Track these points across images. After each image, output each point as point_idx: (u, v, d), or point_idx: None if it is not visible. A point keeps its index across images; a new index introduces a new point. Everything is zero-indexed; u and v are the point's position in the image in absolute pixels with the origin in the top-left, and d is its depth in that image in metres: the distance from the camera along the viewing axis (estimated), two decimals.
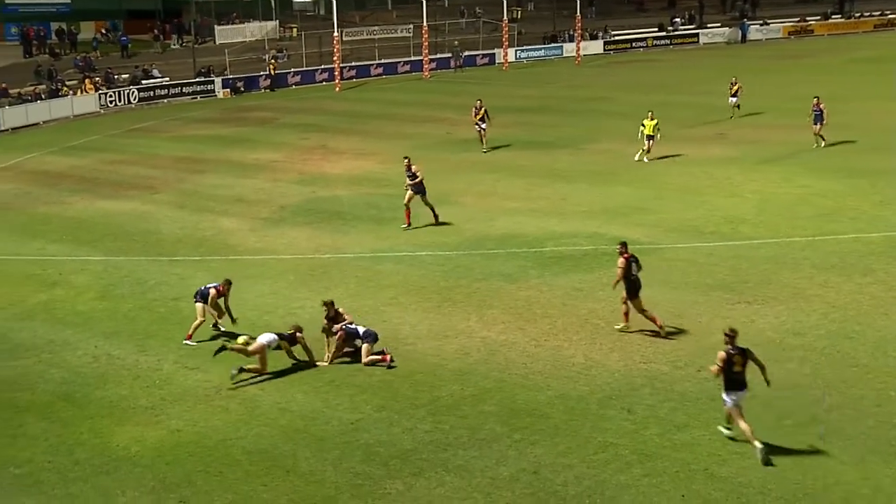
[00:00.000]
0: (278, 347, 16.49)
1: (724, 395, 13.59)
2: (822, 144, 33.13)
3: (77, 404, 15.68)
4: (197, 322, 17.95)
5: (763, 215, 25.57)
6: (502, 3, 62.96)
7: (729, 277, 20.78)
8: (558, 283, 20.69)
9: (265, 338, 16.43)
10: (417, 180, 24.54)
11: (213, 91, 52.50)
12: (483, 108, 34.62)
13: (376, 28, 65.16)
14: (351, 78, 57.41)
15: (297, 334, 16.73)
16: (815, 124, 32.97)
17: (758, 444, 13.31)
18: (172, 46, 66.96)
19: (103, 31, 67.29)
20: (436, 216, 24.91)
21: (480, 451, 13.89)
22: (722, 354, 13.50)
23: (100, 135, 41.02)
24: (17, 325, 19.14)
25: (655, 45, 70.18)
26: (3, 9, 63.59)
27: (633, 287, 17.54)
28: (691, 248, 22.92)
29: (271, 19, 72.79)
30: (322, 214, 27.12)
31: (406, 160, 25.08)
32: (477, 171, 31.91)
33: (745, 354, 13.50)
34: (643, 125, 32.22)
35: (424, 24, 58.52)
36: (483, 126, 34.70)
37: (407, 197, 24.65)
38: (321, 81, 56.69)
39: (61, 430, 14.82)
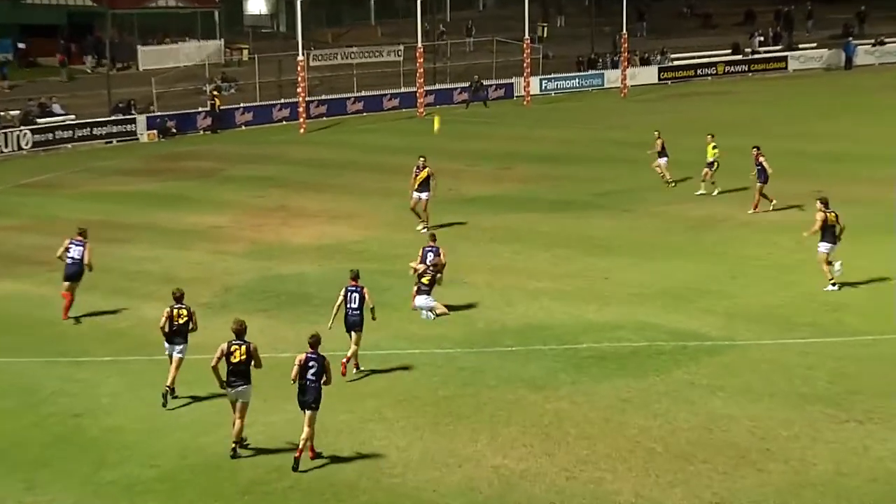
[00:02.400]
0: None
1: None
2: (772, 206, 34.27)
3: None
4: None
5: (877, 301, 25.56)
6: (523, 17, 63.83)
7: (832, 386, 20.72)
8: (598, 392, 20.65)
9: None
10: None
11: (135, 133, 53.01)
12: (426, 169, 33.13)
13: (355, 50, 66.05)
14: (321, 116, 58.04)
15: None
16: (759, 180, 33.99)
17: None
18: (86, 71, 67.79)
19: None
20: None
21: None
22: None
23: None
24: None
25: (729, 73, 71.08)
26: None
27: None
28: (780, 346, 22.92)
29: (214, 38, 73.78)
30: (281, 298, 27.17)
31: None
32: (490, 240, 32.04)
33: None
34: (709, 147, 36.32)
35: (419, 44, 59.30)
36: (423, 196, 33.29)
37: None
38: (281, 121, 57.25)
39: None
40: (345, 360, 21.71)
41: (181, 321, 20.75)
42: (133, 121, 53.43)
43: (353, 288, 21.88)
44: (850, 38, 75.07)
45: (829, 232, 26.18)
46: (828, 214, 26.18)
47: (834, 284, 26.14)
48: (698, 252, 30.29)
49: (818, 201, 26.71)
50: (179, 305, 20.87)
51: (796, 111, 55.02)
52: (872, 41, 74.97)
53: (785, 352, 22.58)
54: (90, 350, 23.83)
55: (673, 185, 38.16)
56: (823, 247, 26.31)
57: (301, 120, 55.27)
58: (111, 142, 52.36)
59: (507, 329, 24.45)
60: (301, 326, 24.13)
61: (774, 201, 34.39)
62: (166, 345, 20.85)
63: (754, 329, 23.96)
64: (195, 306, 26.08)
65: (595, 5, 77.40)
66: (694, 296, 26.35)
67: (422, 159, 33.80)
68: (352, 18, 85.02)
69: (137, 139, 52.84)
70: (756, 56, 73.69)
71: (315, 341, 18.42)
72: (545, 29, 78.64)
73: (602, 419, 19.49)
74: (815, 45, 76.08)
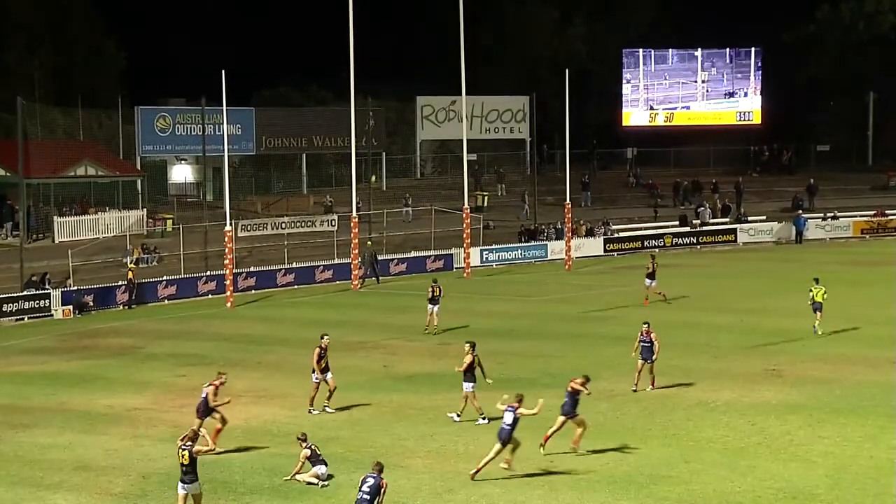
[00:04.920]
0: None
1: None
2: (649, 388, 34.77)
3: None
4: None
5: (839, 490, 25.60)
6: (462, 185, 64.63)
7: None
8: None
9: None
10: None
11: (49, 309, 52.55)
12: (324, 351, 32.79)
13: (286, 219, 66.47)
14: (249, 289, 57.95)
15: None
16: (644, 359, 34.73)
17: None
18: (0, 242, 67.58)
19: None
20: None
21: None
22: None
23: None
24: None
25: (677, 245, 72.08)
26: None
27: None
28: None
29: (137, 207, 73.92)
30: (204, 486, 26.60)
31: None
32: (430, 421, 31.86)
33: None
34: (812, 291, 41.88)
35: (354, 213, 59.71)
36: (323, 377, 32.78)
37: None
38: (206, 294, 57.06)
39: None
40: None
41: (185, 461, 22.92)
42: (47, 296, 53.02)
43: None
44: (801, 212, 76.88)
45: (472, 372, 31.76)
46: (476, 356, 31.84)
47: (484, 418, 31.17)
48: (649, 434, 30.20)
49: (466, 343, 32.47)
50: (184, 446, 23.05)
51: (747, 286, 55.71)
52: (822, 215, 76.76)
53: None
54: None
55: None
56: (467, 386, 31.71)
57: (228, 293, 55.08)
58: (22, 318, 51.87)
59: None
60: None
61: (636, 387, 34.86)
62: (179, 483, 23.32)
63: None
64: (108, 496, 25.81)
65: (537, 174, 78.60)
66: (645, 481, 26.19)
67: (323, 338, 33.35)
68: (282, 186, 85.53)
69: (51, 315, 52.39)
70: (704, 228, 75.00)
71: (380, 469, 22.16)
72: (486, 198, 79.70)
73: None
74: (764, 217, 77.69)
